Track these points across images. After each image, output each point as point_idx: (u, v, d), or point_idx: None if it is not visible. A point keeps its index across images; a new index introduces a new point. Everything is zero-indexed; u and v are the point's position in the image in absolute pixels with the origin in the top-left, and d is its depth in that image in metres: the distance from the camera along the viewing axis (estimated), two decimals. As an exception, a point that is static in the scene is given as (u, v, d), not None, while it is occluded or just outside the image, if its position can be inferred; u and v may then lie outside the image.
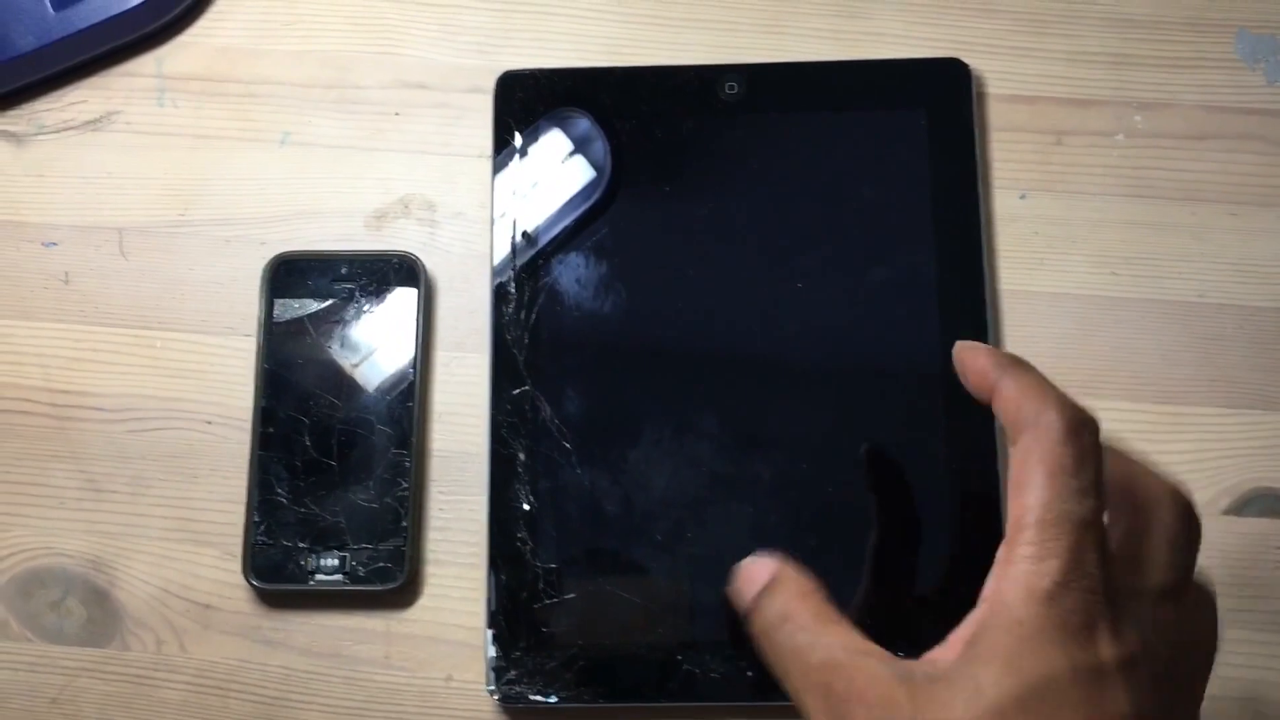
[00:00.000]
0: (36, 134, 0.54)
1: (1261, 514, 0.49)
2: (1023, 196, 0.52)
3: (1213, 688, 0.47)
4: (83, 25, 0.52)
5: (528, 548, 0.48)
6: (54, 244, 0.52)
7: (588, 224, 0.51)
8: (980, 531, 0.47)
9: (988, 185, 0.52)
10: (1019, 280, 0.51)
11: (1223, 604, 0.48)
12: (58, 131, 0.54)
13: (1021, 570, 0.33)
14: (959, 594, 0.47)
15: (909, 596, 0.47)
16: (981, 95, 0.52)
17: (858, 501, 0.48)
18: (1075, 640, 0.32)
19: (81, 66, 0.54)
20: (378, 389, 0.50)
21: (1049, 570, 0.33)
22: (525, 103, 0.52)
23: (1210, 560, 0.48)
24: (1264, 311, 0.50)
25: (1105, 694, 0.32)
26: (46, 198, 0.53)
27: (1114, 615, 0.33)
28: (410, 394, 0.49)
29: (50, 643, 0.49)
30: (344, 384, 0.50)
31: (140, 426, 0.50)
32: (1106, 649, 0.32)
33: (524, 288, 0.50)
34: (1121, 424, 0.49)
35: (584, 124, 0.52)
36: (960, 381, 0.48)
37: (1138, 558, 0.35)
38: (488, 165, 0.52)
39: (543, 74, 0.52)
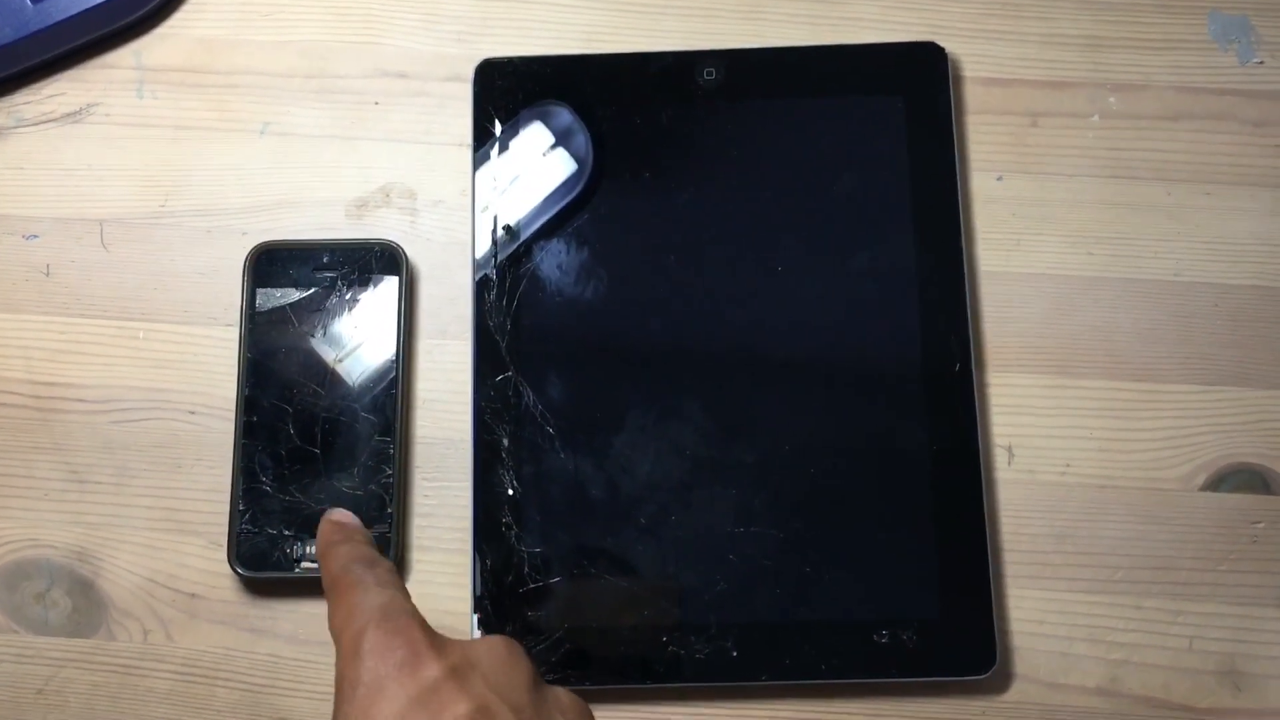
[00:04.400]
0: (15, 127, 0.54)
1: (1237, 489, 0.49)
2: (999, 178, 0.52)
3: (1192, 661, 0.48)
4: (61, 17, 0.52)
5: (512, 533, 0.48)
6: (35, 236, 0.52)
7: (567, 211, 0.51)
8: (960, 512, 0.48)
9: (965, 167, 0.52)
10: (997, 261, 0.51)
11: (1200, 578, 0.48)
12: (37, 124, 0.54)
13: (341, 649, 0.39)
14: (936, 573, 0.47)
15: (887, 580, 0.48)
16: (958, 78, 0.53)
17: (840, 485, 0.48)
18: (405, 673, 0.37)
19: (60, 59, 0.54)
20: (361, 377, 0.50)
21: (354, 633, 0.38)
22: (505, 90, 0.52)
23: (1188, 536, 0.49)
24: (1239, 289, 0.51)
25: (443, 702, 0.36)
26: (26, 190, 0.53)
27: (433, 639, 0.38)
28: (393, 382, 0.50)
29: (36, 634, 0.49)
30: (327, 372, 0.50)
31: (124, 417, 0.50)
32: (433, 668, 0.37)
33: (505, 275, 0.50)
34: (1099, 402, 0.50)
35: (563, 112, 0.52)
36: (938, 363, 0.49)
37: None
38: (468, 153, 0.52)
39: (521, 61, 0.53)
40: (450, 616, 0.48)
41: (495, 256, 0.51)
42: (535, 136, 0.52)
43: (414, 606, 0.40)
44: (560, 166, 0.52)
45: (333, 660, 0.48)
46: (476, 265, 0.51)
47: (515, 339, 0.50)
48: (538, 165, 0.52)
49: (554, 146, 0.52)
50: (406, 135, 0.53)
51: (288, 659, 0.48)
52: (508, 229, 0.51)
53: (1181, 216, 0.52)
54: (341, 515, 0.45)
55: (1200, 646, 0.48)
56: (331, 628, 0.40)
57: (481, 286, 0.50)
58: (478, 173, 0.52)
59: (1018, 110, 0.53)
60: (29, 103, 0.54)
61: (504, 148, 0.52)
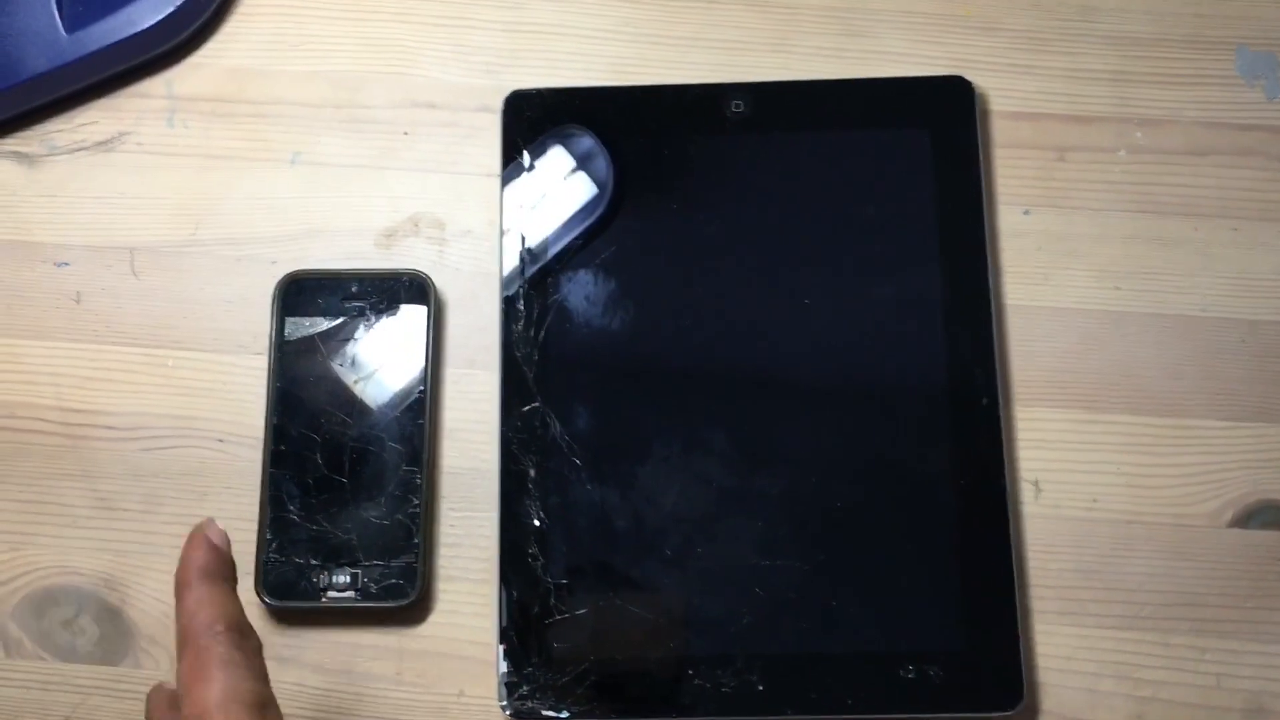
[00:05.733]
0: (48, 155, 0.54)
1: (1265, 526, 0.49)
2: (1026, 212, 0.52)
3: (1220, 699, 0.48)
4: (95, 47, 0.53)
5: (538, 563, 0.48)
6: (66, 264, 0.53)
7: (596, 241, 0.51)
8: (987, 546, 0.48)
9: (992, 201, 0.52)
10: (1023, 295, 0.51)
11: (1227, 615, 0.48)
12: (70, 152, 0.54)
13: None
14: (963, 607, 0.47)
15: (913, 614, 0.47)
16: (985, 112, 0.53)
17: (864, 517, 0.48)
18: None
19: (93, 88, 0.54)
20: (388, 406, 0.50)
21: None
22: (533, 122, 0.53)
23: (1215, 573, 0.49)
24: (1265, 324, 0.51)
25: None
26: (58, 218, 0.53)
27: None
28: (421, 411, 0.50)
29: (63, 661, 0.49)
30: (355, 402, 0.50)
31: (152, 445, 0.51)
32: None
33: (533, 305, 0.51)
34: (1126, 437, 0.50)
35: (592, 143, 0.52)
36: (965, 396, 0.49)
37: None
38: (496, 184, 0.53)
39: (550, 93, 0.53)
40: (476, 647, 0.49)
41: (523, 282, 0.51)
42: (562, 167, 0.52)
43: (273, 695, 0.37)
44: (588, 196, 0.52)
45: (354, 690, 0.48)
46: (504, 290, 0.51)
47: (542, 369, 0.50)
48: (566, 194, 0.52)
49: (581, 176, 0.52)
50: (435, 165, 0.54)
51: (313, 688, 0.48)
52: (534, 254, 0.51)
53: (1208, 252, 0.52)
54: (218, 534, 0.40)
55: (1228, 684, 0.48)
56: (183, 681, 0.37)
57: (509, 315, 0.50)
58: (506, 197, 0.52)
59: (1045, 145, 0.53)
60: (61, 131, 0.54)
61: (532, 174, 0.52)
